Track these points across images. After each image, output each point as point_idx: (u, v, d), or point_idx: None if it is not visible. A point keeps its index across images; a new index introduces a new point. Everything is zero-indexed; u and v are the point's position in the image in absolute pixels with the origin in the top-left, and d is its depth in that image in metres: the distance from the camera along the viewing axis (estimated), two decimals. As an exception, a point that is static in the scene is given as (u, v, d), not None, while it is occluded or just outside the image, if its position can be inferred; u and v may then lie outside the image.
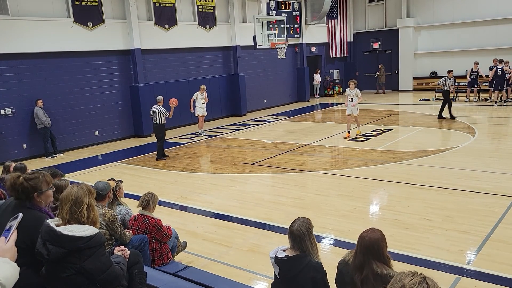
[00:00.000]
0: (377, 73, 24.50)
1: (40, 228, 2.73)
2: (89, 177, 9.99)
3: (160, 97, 11.78)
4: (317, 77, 24.14)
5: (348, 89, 13.19)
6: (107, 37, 14.29)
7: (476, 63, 18.68)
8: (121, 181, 5.46)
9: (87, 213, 2.76)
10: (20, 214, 2.33)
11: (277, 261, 3.21)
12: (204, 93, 14.68)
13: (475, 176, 8.60)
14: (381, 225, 6.44)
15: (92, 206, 2.82)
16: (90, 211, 2.79)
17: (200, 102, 14.60)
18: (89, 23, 13.78)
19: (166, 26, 16.08)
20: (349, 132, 13.14)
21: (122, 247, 3.36)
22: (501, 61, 17.93)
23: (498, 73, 17.41)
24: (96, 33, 13.98)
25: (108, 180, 5.36)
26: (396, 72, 24.76)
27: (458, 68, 20.34)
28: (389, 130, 13.98)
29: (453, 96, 19.67)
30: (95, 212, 2.83)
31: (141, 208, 5.06)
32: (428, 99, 20.39)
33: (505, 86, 17.72)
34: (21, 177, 3.14)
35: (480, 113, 16.30)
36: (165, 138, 11.93)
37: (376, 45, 25.47)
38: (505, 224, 6.25)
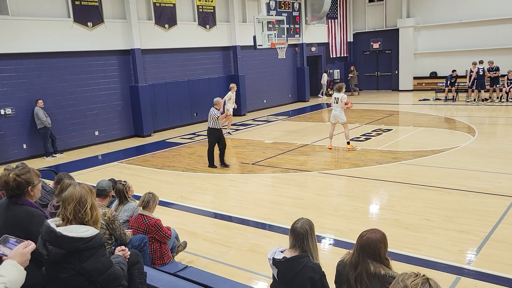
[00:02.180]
0: (350, 75, 24.55)
1: (33, 222, 2.74)
2: (89, 177, 9.98)
3: (216, 99, 10.62)
4: (326, 77, 24.10)
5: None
6: (107, 37, 14.29)
7: (474, 63, 18.76)
8: (126, 182, 5.50)
9: (91, 213, 2.76)
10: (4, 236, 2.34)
11: (275, 262, 3.21)
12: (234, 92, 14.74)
13: (475, 176, 8.60)
14: (381, 225, 6.44)
15: (95, 205, 2.83)
16: (94, 210, 2.79)
17: (231, 102, 14.50)
18: (89, 23, 13.78)
19: (166, 26, 16.08)
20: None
21: (123, 247, 3.36)
22: (481, 62, 18.63)
23: (480, 73, 18.42)
24: (96, 33, 13.98)
25: (108, 180, 5.38)
26: (396, 72, 24.78)
27: (458, 68, 20.32)
28: (389, 130, 13.98)
29: (453, 96, 19.72)
30: (98, 211, 2.84)
31: (141, 208, 5.07)
32: (428, 99, 20.39)
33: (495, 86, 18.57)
34: (11, 174, 3.17)
35: (480, 113, 16.31)
36: (213, 144, 10.47)
37: (376, 45, 25.48)
38: (505, 224, 6.25)
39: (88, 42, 13.77)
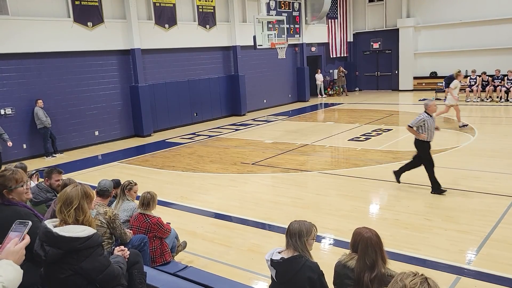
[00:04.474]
0: (341, 74, 24.51)
1: None
2: (89, 177, 9.99)
3: (426, 101, 8.04)
4: (319, 77, 24.14)
5: None
6: (107, 37, 14.29)
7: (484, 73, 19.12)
8: (135, 183, 5.53)
9: (74, 214, 2.72)
10: (30, 222, 2.33)
11: (273, 263, 3.21)
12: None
13: (475, 176, 8.60)
14: (381, 225, 6.45)
15: (83, 209, 2.77)
16: (79, 213, 2.74)
17: (456, 90, 13.50)
18: (89, 23, 13.78)
19: (166, 26, 16.08)
20: None
21: (122, 247, 3.36)
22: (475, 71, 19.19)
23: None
24: (96, 33, 13.98)
25: (112, 180, 5.39)
26: (396, 72, 24.77)
27: (459, 67, 20.30)
28: (389, 130, 13.98)
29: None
30: (86, 215, 2.77)
31: (141, 208, 5.08)
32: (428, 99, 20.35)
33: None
34: None
35: (480, 113, 16.30)
36: (430, 161, 7.76)
37: (376, 45, 25.48)
38: (505, 224, 6.25)
39: (88, 42, 13.77)
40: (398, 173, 8.25)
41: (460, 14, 22.00)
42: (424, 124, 7.65)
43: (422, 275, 1.74)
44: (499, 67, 19.04)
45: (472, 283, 4.82)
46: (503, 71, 18.65)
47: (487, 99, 18.73)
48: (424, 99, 20.32)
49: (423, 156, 7.83)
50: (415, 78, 24.22)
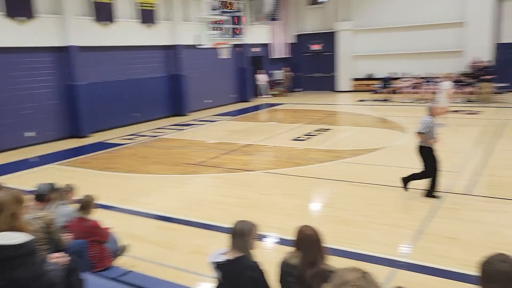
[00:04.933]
0: (286, 74, 25.12)
1: None
2: (21, 180, 9.45)
3: (431, 104, 7.63)
4: (260, 77, 24.30)
5: None
6: (41, 33, 13.58)
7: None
8: (72, 187, 5.37)
9: (7, 221, 2.60)
10: None
11: (218, 266, 3.22)
12: None
13: (408, 172, 9.02)
14: (322, 222, 6.62)
15: (16, 215, 2.65)
16: (12, 220, 2.62)
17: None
18: (20, 18, 13.02)
19: (105, 22, 15.55)
20: None
21: (59, 253, 3.22)
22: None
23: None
24: (27, 28, 13.23)
25: (47, 183, 5.16)
26: (335, 73, 25.51)
27: (394, 70, 21.32)
28: (329, 129, 14.38)
29: (388, 97, 20.66)
30: (19, 221, 2.66)
31: (79, 212, 4.91)
32: (365, 100, 21.17)
33: None
34: None
35: (414, 113, 17.15)
36: (432, 166, 7.33)
37: (316, 47, 26.12)
38: (438, 218, 6.62)
39: (19, 37, 13.01)
40: (431, 190, 7.44)
41: (394, 19, 23.03)
42: (432, 128, 7.14)
43: (360, 269, 1.80)
44: (429, 70, 20.20)
45: (408, 275, 5.07)
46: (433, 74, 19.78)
47: (420, 100, 19.76)
48: (361, 100, 21.19)
49: (428, 163, 7.33)
50: (353, 79, 25.08)
